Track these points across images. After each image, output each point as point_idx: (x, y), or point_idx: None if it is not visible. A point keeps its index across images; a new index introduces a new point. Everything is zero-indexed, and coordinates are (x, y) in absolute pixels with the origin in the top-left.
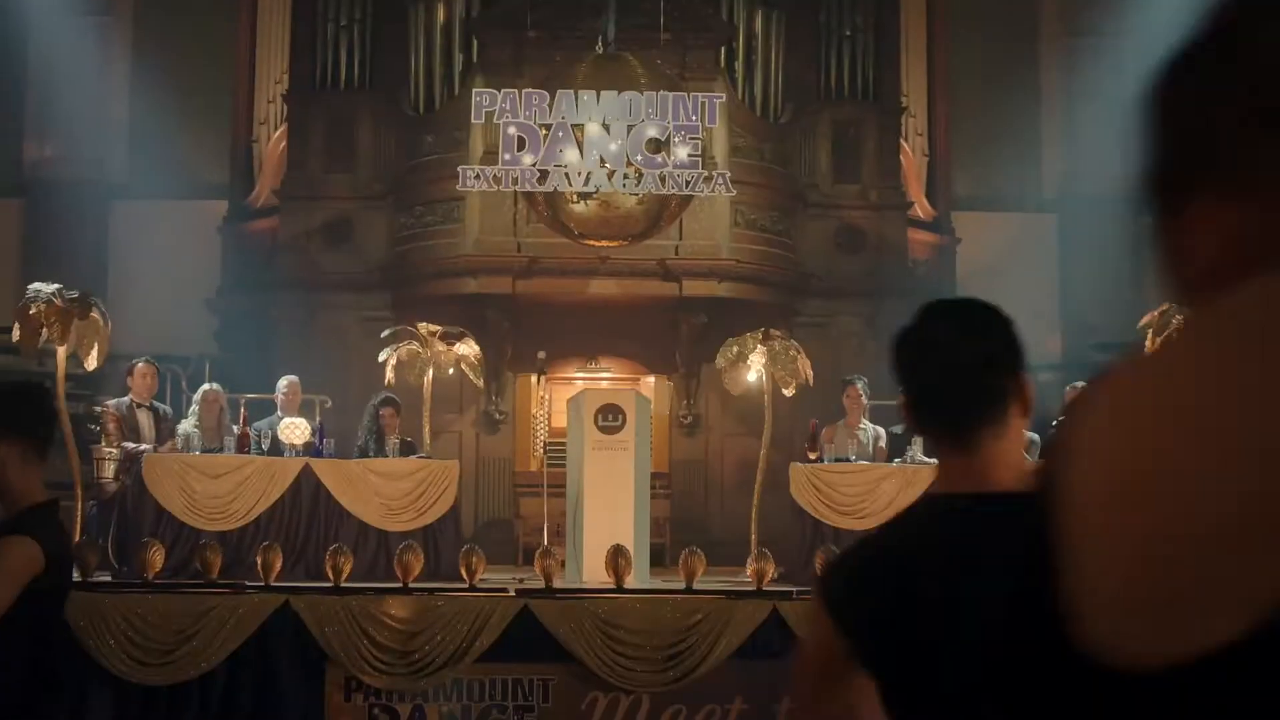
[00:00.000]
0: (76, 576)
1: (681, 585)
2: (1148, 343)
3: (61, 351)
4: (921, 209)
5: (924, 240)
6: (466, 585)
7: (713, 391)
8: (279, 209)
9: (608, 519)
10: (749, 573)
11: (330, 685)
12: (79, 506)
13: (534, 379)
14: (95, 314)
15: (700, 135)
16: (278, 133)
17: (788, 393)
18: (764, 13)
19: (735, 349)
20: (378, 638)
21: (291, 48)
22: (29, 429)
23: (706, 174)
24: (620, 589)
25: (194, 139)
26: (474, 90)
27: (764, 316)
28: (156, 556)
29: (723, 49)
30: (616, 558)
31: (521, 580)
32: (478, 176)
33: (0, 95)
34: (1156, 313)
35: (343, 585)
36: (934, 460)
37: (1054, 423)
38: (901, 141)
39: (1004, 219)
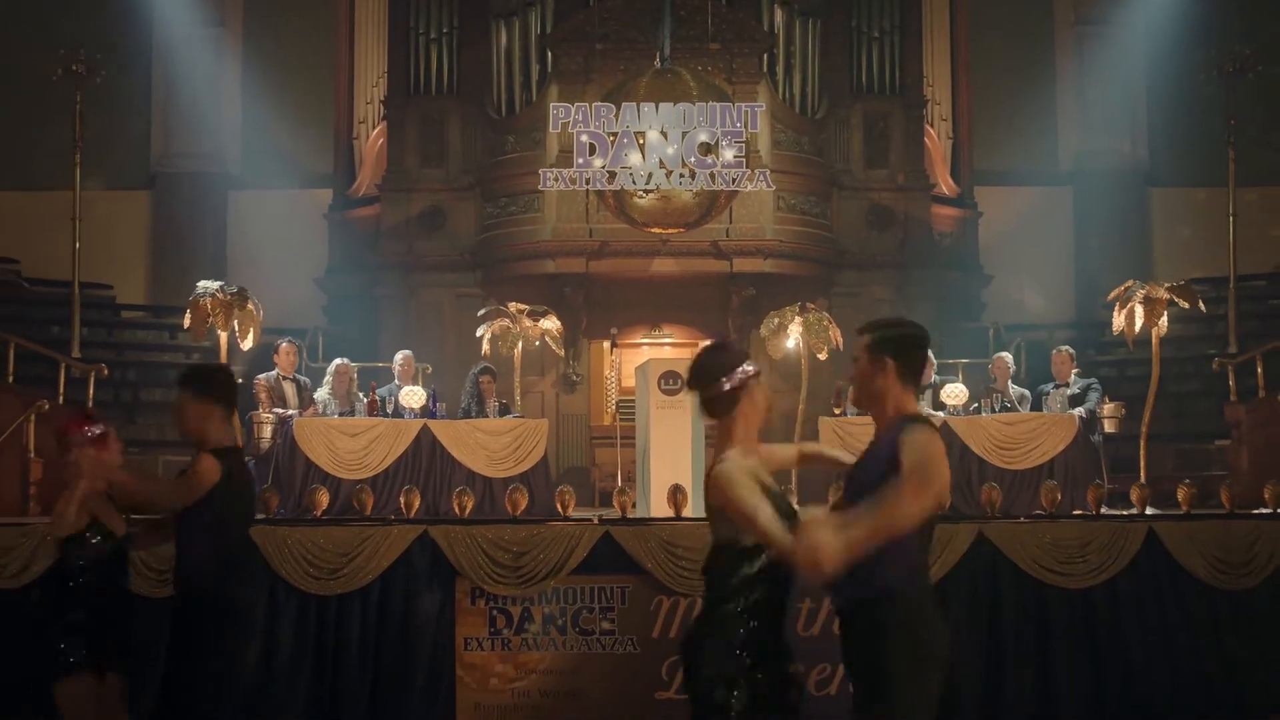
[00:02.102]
0: (261, 515)
1: None
2: (1116, 314)
3: (223, 336)
4: (946, 186)
5: (949, 214)
6: (561, 516)
7: (761, 353)
8: (379, 199)
9: (670, 464)
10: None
11: (460, 593)
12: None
13: (606, 346)
14: (251, 305)
15: (744, 139)
16: (375, 130)
17: (821, 357)
18: (800, 21)
19: (776, 320)
20: (495, 557)
21: (389, 58)
22: (227, 396)
23: (750, 172)
24: (679, 518)
25: (300, 135)
26: (551, 104)
27: (805, 288)
28: (322, 498)
29: (765, 55)
30: (675, 494)
31: (602, 514)
32: (556, 178)
33: (130, 100)
34: (1121, 288)
35: (466, 518)
36: (940, 414)
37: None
38: (927, 127)
39: (1023, 193)
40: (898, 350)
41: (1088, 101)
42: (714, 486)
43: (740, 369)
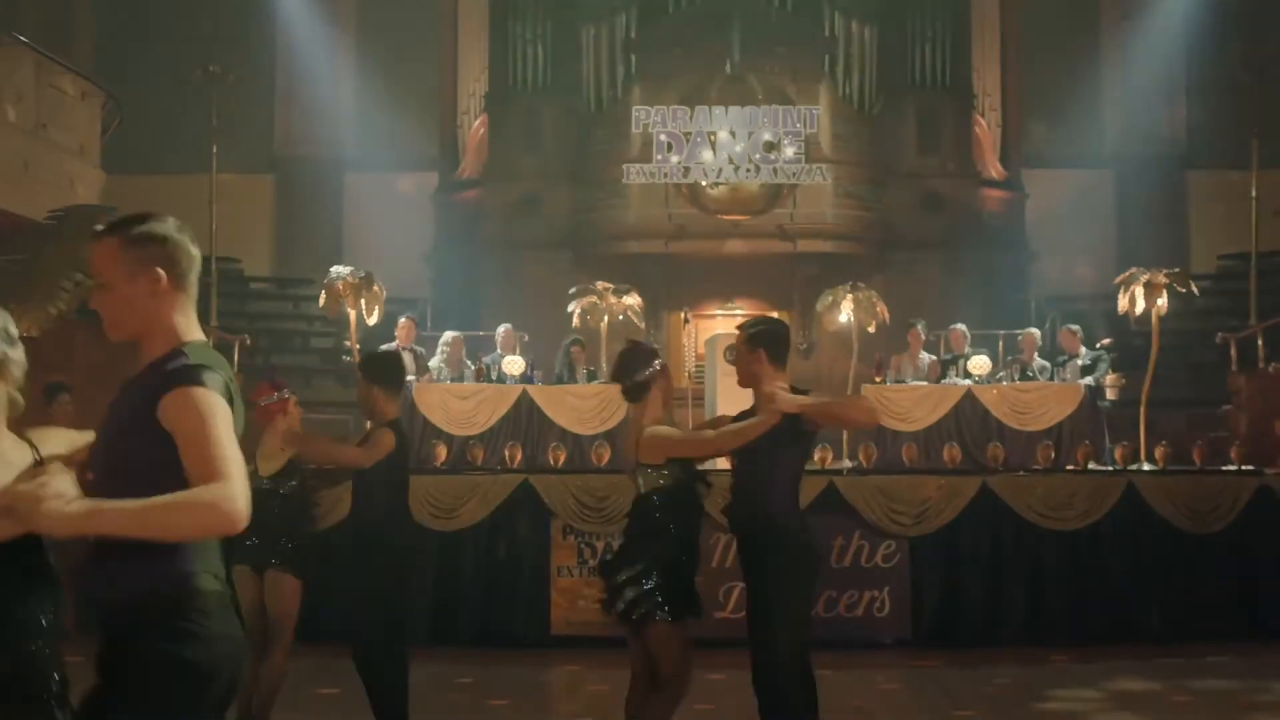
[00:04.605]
0: None
1: None
2: (1120, 296)
3: (353, 314)
4: (995, 170)
5: (997, 196)
6: None
7: (818, 326)
8: (481, 184)
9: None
10: (815, 459)
11: (554, 530)
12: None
13: (682, 319)
14: (376, 287)
15: (803, 137)
16: (477, 121)
17: (870, 329)
18: (859, 26)
19: (830, 298)
20: (583, 500)
21: (490, 57)
22: (395, 380)
23: (808, 168)
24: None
25: (408, 123)
26: (633, 106)
27: (862, 266)
28: (440, 451)
29: (825, 57)
30: None
31: None
32: (638, 172)
33: (257, 93)
34: (1125, 274)
35: (560, 468)
36: (967, 382)
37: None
38: (977, 116)
39: (1068, 175)
40: (767, 343)
41: (1129, 89)
42: (647, 449)
43: (653, 365)
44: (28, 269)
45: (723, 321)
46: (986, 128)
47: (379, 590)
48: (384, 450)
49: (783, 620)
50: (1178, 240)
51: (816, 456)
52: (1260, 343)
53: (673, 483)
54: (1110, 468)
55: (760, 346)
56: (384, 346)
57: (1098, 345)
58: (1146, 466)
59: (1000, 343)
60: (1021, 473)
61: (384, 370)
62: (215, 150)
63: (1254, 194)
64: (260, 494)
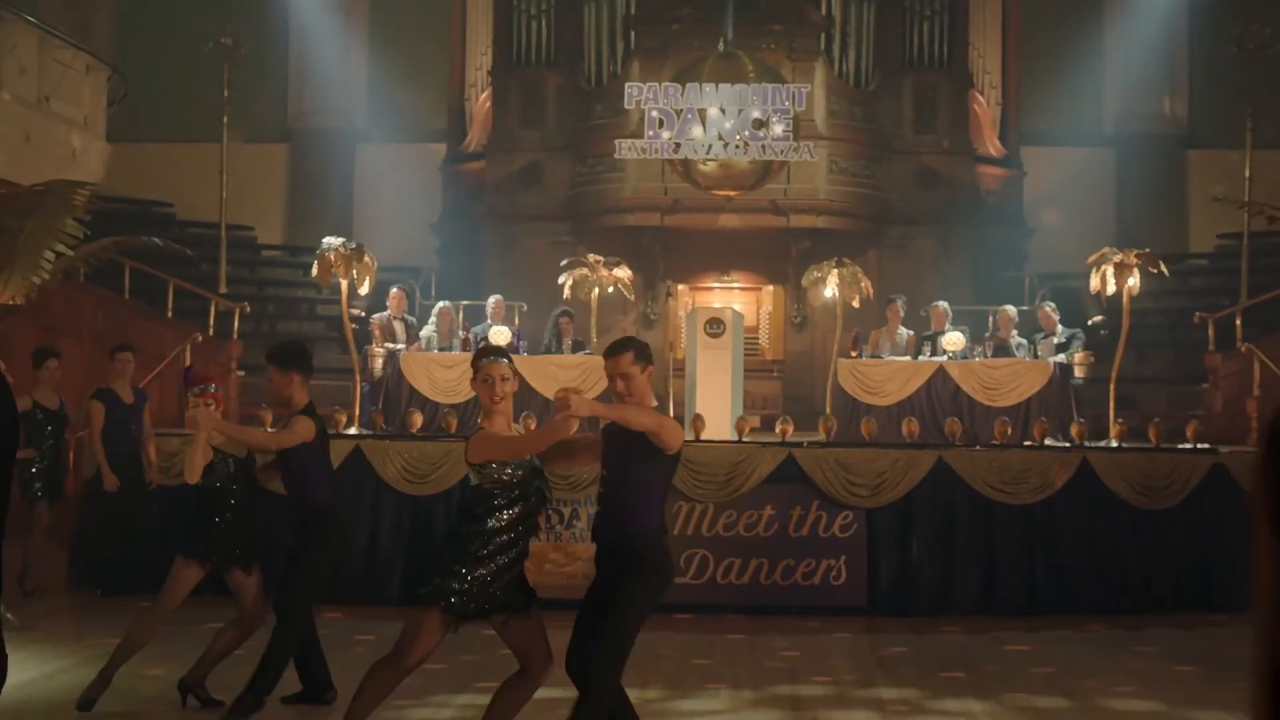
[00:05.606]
0: (368, 431)
1: (735, 439)
2: (1093, 276)
3: (344, 283)
4: (993, 148)
5: (995, 174)
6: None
7: (805, 300)
8: (485, 155)
9: (714, 393)
10: (777, 431)
11: None
12: (357, 388)
13: (665, 292)
14: (367, 257)
15: (792, 115)
16: (484, 94)
17: (855, 305)
18: (857, 4)
19: (815, 274)
20: (557, 469)
21: (494, 31)
22: (308, 367)
23: (797, 145)
24: (697, 440)
25: (418, 96)
26: (626, 84)
27: (855, 241)
28: (417, 418)
29: (822, 34)
30: (695, 421)
31: None
32: (630, 147)
33: (271, 63)
34: (1098, 254)
35: None
36: (938, 359)
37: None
38: (975, 93)
39: (1067, 153)
40: (650, 358)
41: (1130, 68)
42: (471, 447)
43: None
44: (12, 240)
45: (720, 294)
46: (985, 105)
47: (317, 560)
48: (301, 435)
49: (626, 625)
50: (1177, 220)
51: (777, 429)
52: (1239, 322)
53: (500, 481)
54: (1067, 444)
55: (650, 363)
56: (376, 315)
57: (1090, 322)
58: (1114, 444)
59: (990, 319)
60: (977, 447)
61: (299, 359)
62: (227, 121)
63: (1248, 174)
64: (213, 495)
